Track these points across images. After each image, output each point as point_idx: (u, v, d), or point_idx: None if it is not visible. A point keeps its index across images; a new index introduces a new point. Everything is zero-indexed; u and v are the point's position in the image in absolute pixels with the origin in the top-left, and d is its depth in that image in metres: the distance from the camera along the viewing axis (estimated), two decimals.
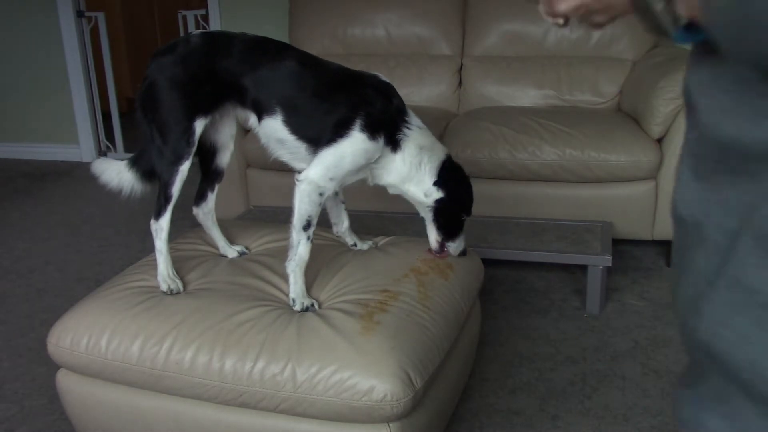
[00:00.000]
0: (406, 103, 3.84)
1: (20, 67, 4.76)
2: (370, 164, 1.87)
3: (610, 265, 2.61)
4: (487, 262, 2.23)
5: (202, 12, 4.61)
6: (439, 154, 1.94)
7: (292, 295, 1.77)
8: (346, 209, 2.09)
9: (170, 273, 1.87)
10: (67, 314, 1.82)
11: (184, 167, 1.85)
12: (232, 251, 2.05)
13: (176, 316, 1.71)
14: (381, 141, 1.84)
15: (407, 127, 1.90)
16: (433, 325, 1.73)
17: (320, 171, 1.78)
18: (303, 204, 1.79)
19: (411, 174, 1.92)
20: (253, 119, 1.90)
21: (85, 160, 4.85)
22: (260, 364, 1.60)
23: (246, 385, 1.60)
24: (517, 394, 2.21)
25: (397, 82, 3.68)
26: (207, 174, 2.06)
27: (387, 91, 1.91)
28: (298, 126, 1.85)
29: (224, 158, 2.05)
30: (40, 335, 2.52)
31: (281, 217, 2.35)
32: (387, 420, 1.56)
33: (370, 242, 2.12)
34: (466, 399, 2.19)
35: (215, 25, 4.44)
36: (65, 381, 1.84)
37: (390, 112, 1.88)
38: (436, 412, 1.77)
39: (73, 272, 3.18)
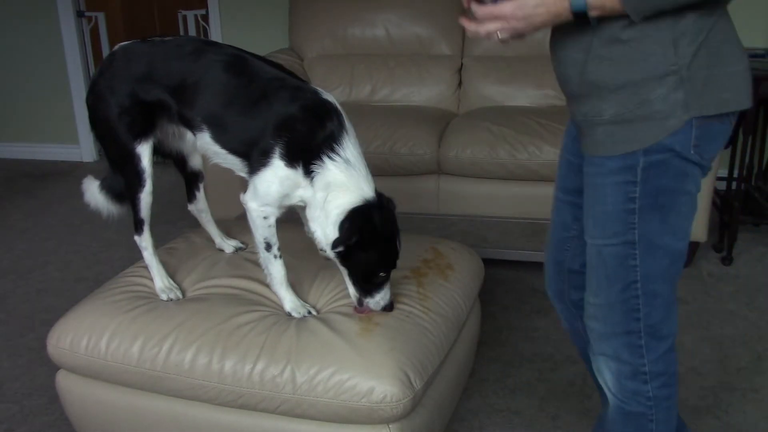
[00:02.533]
0: (406, 103, 3.83)
1: (20, 67, 4.75)
2: (299, 191, 1.71)
3: None
4: (487, 262, 2.23)
5: (202, 12, 4.61)
6: (352, 198, 1.64)
7: (287, 309, 1.76)
8: None
9: (166, 283, 1.86)
10: (67, 315, 1.82)
11: (144, 194, 1.83)
12: (228, 246, 2.05)
13: (176, 318, 1.72)
14: (300, 169, 1.66)
15: (329, 157, 1.64)
16: (433, 325, 1.73)
17: (255, 198, 1.72)
18: (255, 228, 1.76)
19: (315, 213, 1.68)
20: (189, 134, 1.83)
21: (85, 160, 4.85)
22: (260, 366, 1.60)
23: (246, 387, 1.60)
24: (517, 394, 2.21)
25: (397, 82, 3.73)
26: (186, 177, 2.03)
27: (322, 113, 1.67)
28: (227, 142, 1.75)
29: (195, 161, 2.01)
30: (40, 335, 2.52)
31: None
32: (387, 421, 1.56)
33: None
34: (466, 399, 2.19)
35: (215, 24, 4.44)
36: (65, 381, 1.84)
37: (315, 137, 1.65)
38: (436, 412, 1.77)
39: (73, 272, 3.18)
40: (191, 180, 2.04)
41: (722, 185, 3.37)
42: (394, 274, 1.74)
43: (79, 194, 2.00)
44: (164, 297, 1.82)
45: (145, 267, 1.93)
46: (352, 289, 1.72)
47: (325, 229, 1.67)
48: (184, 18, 4.75)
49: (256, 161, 1.69)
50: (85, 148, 4.85)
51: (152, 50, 1.79)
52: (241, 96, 1.71)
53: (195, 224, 2.15)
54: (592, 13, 1.22)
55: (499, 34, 1.29)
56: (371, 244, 1.66)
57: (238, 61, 1.74)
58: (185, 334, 1.67)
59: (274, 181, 1.68)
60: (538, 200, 3.01)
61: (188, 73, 1.74)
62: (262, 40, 4.21)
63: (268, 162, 1.67)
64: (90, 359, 1.73)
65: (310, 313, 1.75)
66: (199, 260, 2.00)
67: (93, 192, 1.99)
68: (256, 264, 1.93)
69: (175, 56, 1.77)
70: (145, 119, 1.79)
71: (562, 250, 1.69)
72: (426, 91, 3.66)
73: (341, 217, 1.64)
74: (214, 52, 1.75)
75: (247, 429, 1.68)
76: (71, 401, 1.85)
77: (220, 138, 1.75)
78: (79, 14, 4.63)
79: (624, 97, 1.28)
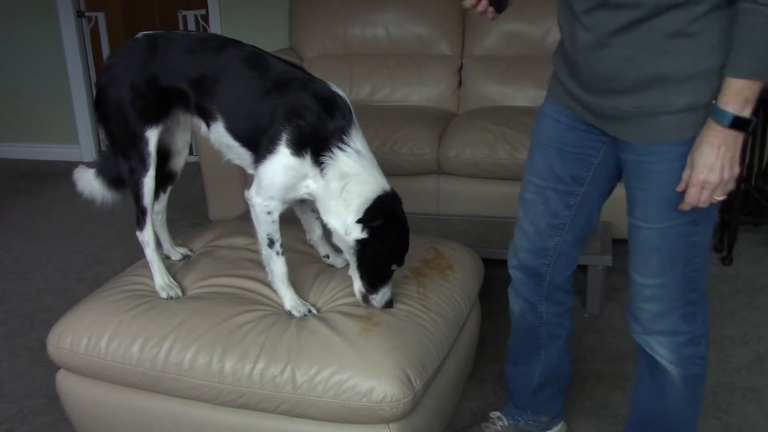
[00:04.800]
0: (406, 103, 3.83)
1: (20, 67, 4.75)
2: (306, 182, 1.71)
3: (610, 265, 2.61)
4: (487, 262, 2.22)
5: (202, 12, 4.61)
6: (372, 187, 1.67)
7: (287, 308, 1.75)
8: (319, 218, 1.92)
9: (167, 281, 1.86)
10: (67, 315, 1.82)
11: (147, 179, 1.81)
12: (176, 253, 2.03)
13: (176, 318, 1.72)
14: (308, 158, 1.67)
15: (339, 148, 1.66)
16: (433, 325, 1.73)
17: (259, 191, 1.72)
18: (258, 224, 1.75)
19: (330, 204, 1.69)
20: (204, 127, 1.83)
21: (85, 160, 4.85)
22: (260, 366, 1.60)
23: (246, 387, 1.60)
24: None
25: (397, 82, 3.73)
26: (159, 176, 1.95)
27: (330, 104, 1.69)
28: (239, 133, 1.76)
29: (178, 163, 2.00)
30: (40, 335, 2.52)
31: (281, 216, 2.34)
32: (386, 421, 1.56)
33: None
34: (466, 399, 2.19)
35: (215, 24, 4.44)
36: (65, 381, 1.84)
37: (324, 127, 1.66)
38: (436, 412, 1.77)
39: (73, 272, 3.18)
40: (164, 179, 2.00)
41: None
42: (394, 273, 1.74)
43: (79, 194, 1.99)
44: (164, 295, 1.82)
45: (145, 266, 1.93)
46: (357, 284, 1.73)
47: (344, 218, 1.67)
48: (184, 18, 4.75)
49: (263, 149, 1.70)
50: (85, 148, 4.85)
51: (177, 40, 1.82)
52: (254, 86, 1.74)
53: (195, 223, 2.15)
54: (746, 114, 1.29)
55: (716, 198, 1.36)
56: (391, 232, 1.68)
57: (255, 57, 1.78)
58: (185, 333, 1.67)
59: (279, 170, 1.68)
60: None
61: (210, 65, 1.77)
62: (262, 40, 4.18)
63: (274, 149, 1.68)
64: (90, 359, 1.73)
65: (310, 312, 1.75)
66: (199, 259, 2.00)
67: (88, 179, 1.97)
68: (256, 263, 1.93)
69: (199, 49, 1.80)
70: (160, 105, 1.80)
71: (541, 255, 1.71)
72: (426, 91, 3.66)
73: (365, 205, 1.65)
74: (235, 48, 1.79)
75: (247, 429, 1.68)
76: (71, 401, 1.86)
77: (232, 128, 1.76)
78: (79, 14, 4.63)
79: (696, 87, 1.33)
